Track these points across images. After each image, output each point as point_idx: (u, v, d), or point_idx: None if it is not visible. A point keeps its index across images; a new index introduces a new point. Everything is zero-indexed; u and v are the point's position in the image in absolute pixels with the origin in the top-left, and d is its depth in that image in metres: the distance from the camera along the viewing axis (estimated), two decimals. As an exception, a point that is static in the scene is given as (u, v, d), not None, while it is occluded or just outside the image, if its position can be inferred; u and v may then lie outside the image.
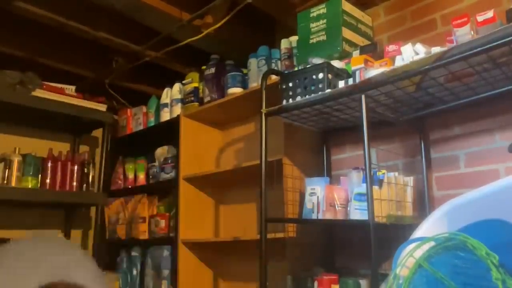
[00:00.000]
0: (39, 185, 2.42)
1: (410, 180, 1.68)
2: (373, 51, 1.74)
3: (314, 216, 1.63)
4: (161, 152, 2.68)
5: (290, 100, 1.68)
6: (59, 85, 2.55)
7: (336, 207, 1.62)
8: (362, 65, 1.57)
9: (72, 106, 2.49)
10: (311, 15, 1.93)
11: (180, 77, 2.61)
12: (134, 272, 2.56)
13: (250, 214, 2.38)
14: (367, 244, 1.31)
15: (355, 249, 1.88)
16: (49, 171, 2.46)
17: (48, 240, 0.89)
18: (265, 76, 1.79)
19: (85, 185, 2.61)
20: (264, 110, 1.73)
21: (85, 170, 2.62)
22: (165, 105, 2.60)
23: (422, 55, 1.36)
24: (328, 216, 1.60)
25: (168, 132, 2.54)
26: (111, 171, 2.89)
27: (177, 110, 2.52)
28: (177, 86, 2.57)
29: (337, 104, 1.62)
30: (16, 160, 2.34)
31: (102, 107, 2.65)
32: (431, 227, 1.13)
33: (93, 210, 2.83)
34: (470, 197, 1.12)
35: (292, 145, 1.95)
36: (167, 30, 2.30)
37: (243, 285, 2.35)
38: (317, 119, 1.83)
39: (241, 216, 2.44)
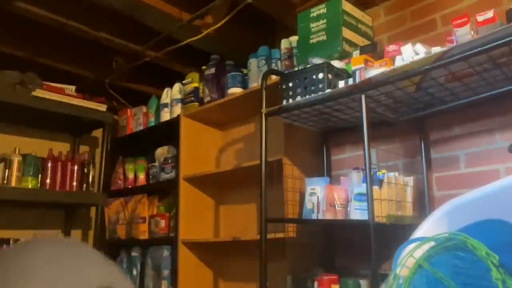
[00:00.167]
0: (39, 185, 2.42)
1: (410, 180, 1.67)
2: (373, 51, 1.74)
3: (314, 216, 1.63)
4: (161, 152, 2.68)
5: (290, 100, 1.68)
6: (59, 85, 2.55)
7: (336, 207, 1.62)
8: (362, 65, 1.57)
9: (72, 106, 2.49)
10: (311, 15, 1.93)
11: (180, 77, 2.61)
12: (134, 272, 2.56)
13: (250, 214, 2.38)
14: (367, 244, 1.31)
15: (355, 249, 1.88)
16: (49, 171, 2.47)
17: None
18: (265, 76, 1.79)
19: (85, 185, 2.61)
20: (264, 110, 1.73)
21: (85, 170, 2.62)
22: (165, 105, 2.60)
23: (422, 55, 1.36)
24: (328, 216, 1.60)
25: (168, 132, 2.54)
26: (111, 171, 2.89)
27: (177, 110, 2.52)
28: (177, 86, 2.57)
29: (337, 104, 1.62)
30: (16, 160, 2.34)
31: (102, 107, 2.65)
32: (431, 227, 1.13)
33: (93, 210, 2.83)
34: (470, 197, 1.11)
35: (292, 145, 1.95)
36: (167, 30, 2.30)
37: (243, 285, 2.35)
38: (317, 119, 1.83)
39: (241, 216, 2.44)
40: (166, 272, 2.35)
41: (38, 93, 2.37)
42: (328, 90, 1.55)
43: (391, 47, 1.63)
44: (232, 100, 2.20)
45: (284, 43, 2.11)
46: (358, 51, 1.77)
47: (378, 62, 1.59)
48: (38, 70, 2.45)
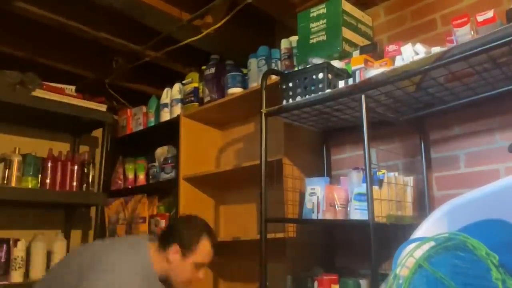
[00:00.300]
0: (39, 185, 2.42)
1: (410, 180, 1.67)
2: (373, 51, 1.74)
3: (314, 216, 1.63)
4: (161, 152, 2.68)
5: (290, 100, 1.68)
6: (59, 85, 2.55)
7: (336, 207, 1.62)
8: (362, 65, 1.57)
9: (72, 106, 2.49)
10: (311, 15, 1.93)
11: (180, 77, 2.61)
12: (134, 272, 2.55)
13: (250, 214, 2.38)
14: (367, 244, 1.31)
15: (355, 249, 1.88)
16: (49, 171, 2.47)
17: None
18: (265, 76, 1.79)
19: (85, 185, 2.61)
20: (264, 110, 1.73)
21: (85, 170, 2.62)
22: (165, 105, 2.60)
23: (422, 55, 1.36)
24: (328, 216, 1.59)
25: (168, 132, 2.54)
26: (111, 171, 2.89)
27: (177, 110, 2.51)
28: (177, 86, 2.57)
29: (337, 104, 1.62)
30: (16, 160, 2.34)
31: (102, 107, 2.65)
32: (431, 227, 1.13)
33: (93, 210, 2.83)
34: (470, 197, 1.11)
35: (292, 145, 1.95)
36: (167, 30, 2.30)
37: (243, 285, 2.35)
38: (317, 119, 1.83)
39: (241, 216, 2.44)
40: (166, 272, 2.34)
41: (38, 93, 2.37)
42: (328, 90, 1.55)
43: (391, 47, 1.63)
44: (232, 100, 2.20)
45: (284, 43, 2.11)
46: (358, 51, 1.77)
47: (378, 62, 1.59)
48: (38, 70, 2.45)
